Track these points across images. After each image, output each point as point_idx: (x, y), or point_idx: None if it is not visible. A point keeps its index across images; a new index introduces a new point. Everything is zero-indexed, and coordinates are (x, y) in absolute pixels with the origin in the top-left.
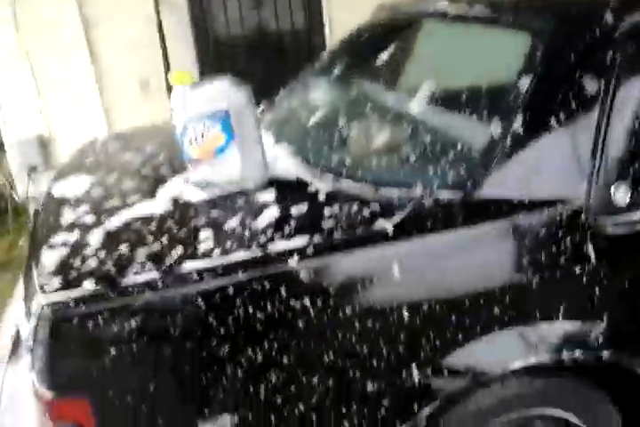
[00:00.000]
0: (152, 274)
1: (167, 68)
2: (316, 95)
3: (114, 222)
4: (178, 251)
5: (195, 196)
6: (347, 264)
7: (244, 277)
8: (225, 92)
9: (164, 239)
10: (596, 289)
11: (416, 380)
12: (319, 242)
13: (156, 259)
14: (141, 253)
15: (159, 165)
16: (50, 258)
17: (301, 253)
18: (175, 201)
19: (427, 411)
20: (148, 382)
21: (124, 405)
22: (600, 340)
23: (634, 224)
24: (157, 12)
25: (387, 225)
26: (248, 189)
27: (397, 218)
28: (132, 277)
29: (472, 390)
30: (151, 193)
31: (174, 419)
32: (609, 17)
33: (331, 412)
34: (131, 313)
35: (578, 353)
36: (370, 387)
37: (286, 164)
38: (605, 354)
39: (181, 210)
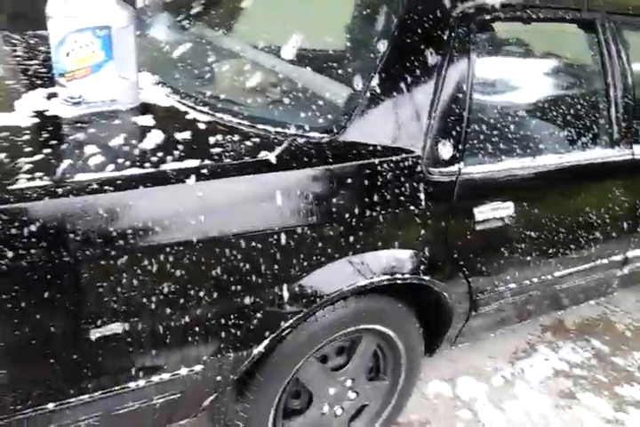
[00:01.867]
0: (46, 182)
1: None
2: (173, 32)
3: None
4: (67, 162)
5: (65, 111)
6: (233, 189)
7: (143, 193)
8: (110, 8)
9: (47, 151)
10: (423, 225)
11: (281, 297)
12: (212, 165)
13: (46, 168)
14: (25, 163)
15: (6, 77)
16: None
17: (197, 173)
18: (42, 115)
19: (279, 331)
20: (42, 290)
21: (19, 313)
22: (422, 265)
23: (452, 175)
24: None
25: (270, 156)
26: (121, 110)
27: (278, 151)
28: (24, 184)
29: (320, 307)
30: (8, 105)
31: (67, 326)
32: (447, 1)
33: (209, 323)
34: (27, 218)
35: (407, 276)
36: (245, 302)
37: (154, 92)
38: (425, 278)
39: (53, 124)
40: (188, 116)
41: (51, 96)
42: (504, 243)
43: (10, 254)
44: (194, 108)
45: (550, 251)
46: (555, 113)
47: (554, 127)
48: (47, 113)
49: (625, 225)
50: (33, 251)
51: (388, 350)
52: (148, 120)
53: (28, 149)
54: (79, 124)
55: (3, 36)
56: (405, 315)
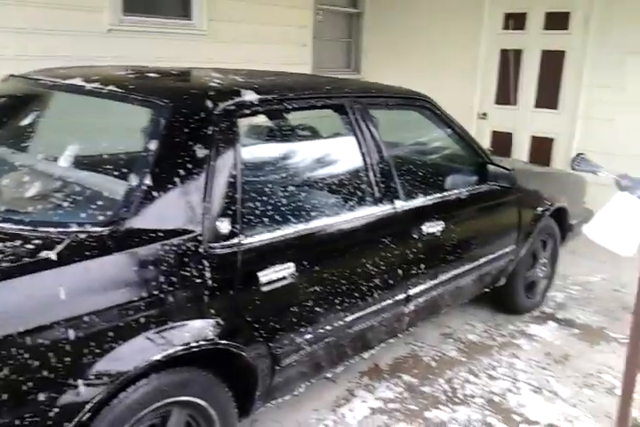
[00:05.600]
0: None
1: None
2: None
3: None
4: None
5: None
6: (16, 289)
7: None
8: None
9: None
10: (212, 296)
11: (75, 387)
12: None
13: None
14: None
15: None
16: None
17: None
18: None
19: (78, 420)
20: None
21: None
22: (217, 332)
23: (232, 246)
24: None
25: (51, 254)
26: None
27: (59, 248)
28: None
29: (120, 388)
30: None
31: None
32: (209, 102)
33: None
34: None
35: (202, 343)
36: (39, 398)
37: None
38: (221, 343)
39: None
40: None
41: None
42: (292, 298)
43: None
44: None
45: (337, 299)
46: (321, 184)
47: (323, 196)
48: None
49: (400, 267)
50: None
51: (201, 418)
52: None
53: None
54: None
55: None
56: (212, 382)
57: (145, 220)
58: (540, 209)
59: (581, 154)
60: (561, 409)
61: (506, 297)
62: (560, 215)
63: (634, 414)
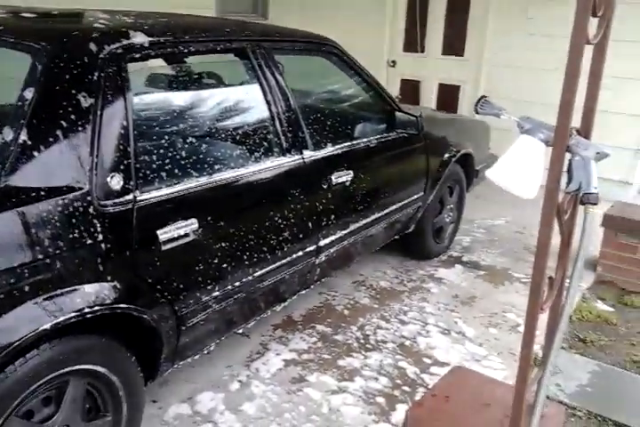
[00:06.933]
0: None
1: None
2: None
3: None
4: None
5: None
6: None
7: None
8: None
9: None
10: (106, 256)
11: None
12: None
13: None
14: None
15: None
16: None
17: None
18: None
19: None
20: None
21: None
22: (114, 296)
23: (126, 203)
24: None
25: None
26: None
27: None
28: None
29: (6, 364)
30: None
31: None
32: (93, 45)
33: None
34: None
35: (97, 308)
36: None
37: None
38: (120, 307)
39: None
40: None
41: None
42: (195, 256)
43: None
44: None
45: (245, 255)
46: (225, 134)
47: (227, 147)
48: None
49: (309, 219)
50: None
51: (102, 386)
52: None
53: None
54: None
55: None
56: (112, 348)
57: (24, 177)
58: (446, 156)
59: (485, 96)
60: (468, 349)
61: (415, 243)
62: (466, 161)
63: (535, 349)
